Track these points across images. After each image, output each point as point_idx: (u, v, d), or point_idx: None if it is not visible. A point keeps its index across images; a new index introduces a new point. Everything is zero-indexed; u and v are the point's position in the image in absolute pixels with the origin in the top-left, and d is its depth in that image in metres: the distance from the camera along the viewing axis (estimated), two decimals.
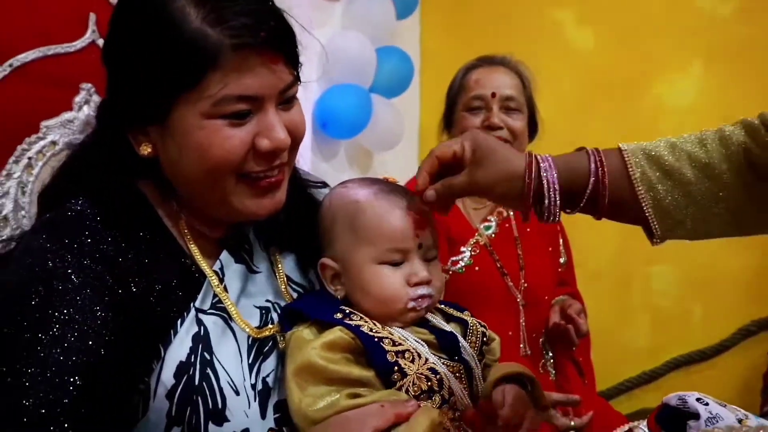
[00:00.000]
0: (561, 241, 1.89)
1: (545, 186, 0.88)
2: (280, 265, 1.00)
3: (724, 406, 0.98)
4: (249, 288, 0.95)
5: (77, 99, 1.19)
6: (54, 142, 1.16)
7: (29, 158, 1.12)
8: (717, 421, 0.94)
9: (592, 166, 0.89)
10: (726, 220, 0.90)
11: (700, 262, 2.58)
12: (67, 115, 1.17)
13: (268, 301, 0.96)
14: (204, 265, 0.92)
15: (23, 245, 0.86)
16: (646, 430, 1.05)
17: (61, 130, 1.17)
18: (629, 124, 2.65)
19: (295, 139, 0.90)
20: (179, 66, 0.82)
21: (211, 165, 0.85)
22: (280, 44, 0.86)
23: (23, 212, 1.10)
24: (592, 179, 0.88)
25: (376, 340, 0.88)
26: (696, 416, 0.95)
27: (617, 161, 0.89)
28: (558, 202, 0.88)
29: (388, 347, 0.88)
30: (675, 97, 2.64)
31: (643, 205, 0.89)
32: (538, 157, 0.89)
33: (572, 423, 1.61)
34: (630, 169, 0.88)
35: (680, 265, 2.62)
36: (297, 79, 0.90)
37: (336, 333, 0.87)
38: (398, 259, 0.93)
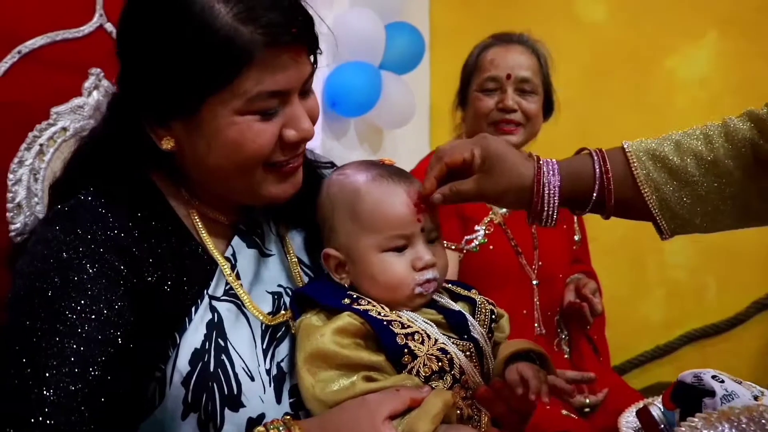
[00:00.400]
0: (575, 218, 1.87)
1: (547, 194, 0.88)
2: (290, 247, 1.00)
3: (740, 383, 0.98)
4: (262, 273, 0.96)
5: (86, 84, 1.19)
6: (65, 128, 1.16)
7: (41, 145, 1.13)
8: (732, 399, 0.94)
9: (597, 170, 0.88)
10: (735, 215, 0.90)
11: (714, 236, 2.55)
12: (77, 101, 1.17)
13: (280, 286, 0.97)
14: (216, 252, 0.92)
15: (37, 236, 0.86)
16: (660, 406, 1.05)
17: (72, 116, 1.17)
18: (642, 98, 2.62)
19: (313, 125, 0.91)
20: (212, 64, 0.81)
21: (242, 159, 0.86)
22: (307, 38, 0.86)
23: (36, 199, 1.11)
24: (597, 184, 0.88)
25: (385, 323, 0.88)
26: (711, 393, 0.95)
27: (621, 163, 0.89)
28: (556, 210, 0.89)
29: (397, 330, 0.88)
30: (688, 69, 2.60)
31: (650, 206, 0.88)
32: (544, 165, 0.89)
33: (587, 401, 1.61)
34: (634, 171, 0.88)
35: (695, 238, 2.56)
36: (315, 68, 0.90)
37: (345, 319, 0.88)
38: (402, 245, 0.93)
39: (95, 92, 1.20)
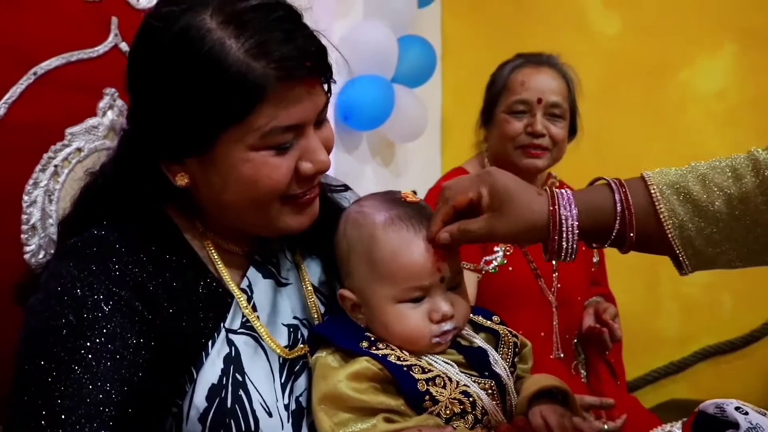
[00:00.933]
0: None
1: (565, 232, 0.84)
2: (306, 276, 0.99)
3: (765, 414, 0.96)
4: (278, 304, 0.95)
5: (101, 104, 1.18)
6: (79, 149, 1.15)
7: (55, 166, 1.12)
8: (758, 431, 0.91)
9: (618, 206, 0.84)
10: (763, 253, 0.85)
11: None
12: (91, 121, 1.16)
13: (296, 318, 0.95)
14: (232, 284, 0.91)
15: (50, 271, 0.85)
16: None
17: (86, 137, 1.16)
18: (656, 110, 2.60)
19: (328, 167, 0.90)
20: (225, 101, 0.80)
21: (258, 195, 0.85)
22: (321, 70, 0.85)
23: (51, 221, 1.10)
24: (618, 218, 0.84)
25: (405, 369, 0.86)
26: (735, 426, 0.93)
27: (643, 196, 0.85)
28: (576, 245, 0.85)
29: (417, 375, 0.86)
30: (704, 82, 2.58)
31: (672, 242, 0.84)
32: (559, 198, 0.85)
33: (605, 426, 1.59)
34: (657, 206, 0.84)
35: None
36: (329, 97, 0.89)
37: (362, 363, 0.85)
38: (419, 296, 0.90)
39: (110, 112, 1.19)
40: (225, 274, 0.91)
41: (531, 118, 1.68)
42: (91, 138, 1.16)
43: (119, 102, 1.20)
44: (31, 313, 0.82)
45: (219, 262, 0.91)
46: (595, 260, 1.85)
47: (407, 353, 0.89)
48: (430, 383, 0.86)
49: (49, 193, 1.11)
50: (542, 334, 1.66)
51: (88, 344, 0.78)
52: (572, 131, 1.77)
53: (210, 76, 0.80)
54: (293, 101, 0.82)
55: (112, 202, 0.90)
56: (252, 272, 0.94)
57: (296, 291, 0.98)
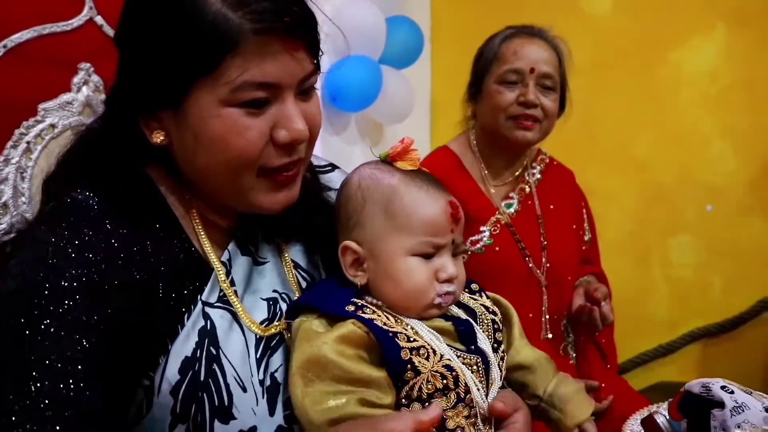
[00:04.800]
0: (585, 217, 1.83)
1: None
2: (286, 253, 0.97)
3: (750, 393, 0.94)
4: (256, 281, 0.92)
5: (76, 79, 1.15)
6: (53, 125, 1.12)
7: (27, 142, 1.09)
8: (743, 410, 0.90)
9: None
10: None
11: (720, 234, 2.52)
12: (65, 97, 1.14)
13: (275, 291, 0.93)
14: (212, 256, 0.89)
15: (29, 235, 0.83)
16: (666, 415, 1.01)
17: (60, 113, 1.13)
18: (647, 91, 2.58)
19: (313, 133, 0.87)
20: (198, 49, 0.79)
21: (229, 157, 0.82)
22: (303, 31, 0.82)
23: (23, 198, 1.08)
24: None
25: (390, 335, 0.84)
26: (720, 405, 0.92)
27: None
28: None
29: (402, 343, 0.84)
30: (696, 62, 2.56)
31: None
32: None
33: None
34: None
35: (700, 236, 2.56)
36: (317, 69, 0.86)
37: (349, 326, 0.84)
38: (431, 252, 0.89)
39: (85, 88, 1.16)
40: (206, 245, 0.89)
41: (523, 88, 1.63)
42: (66, 114, 1.14)
43: (95, 77, 1.17)
44: (7, 273, 0.80)
45: (201, 233, 0.89)
46: (586, 238, 1.82)
47: (393, 320, 0.87)
48: (413, 353, 0.84)
49: (21, 170, 1.09)
50: (531, 315, 1.63)
51: (59, 311, 0.76)
52: (561, 106, 1.73)
53: (185, 23, 0.79)
54: (267, 56, 0.79)
55: (96, 162, 0.87)
56: (232, 247, 0.92)
57: (275, 268, 0.95)
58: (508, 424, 0.90)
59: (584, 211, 1.83)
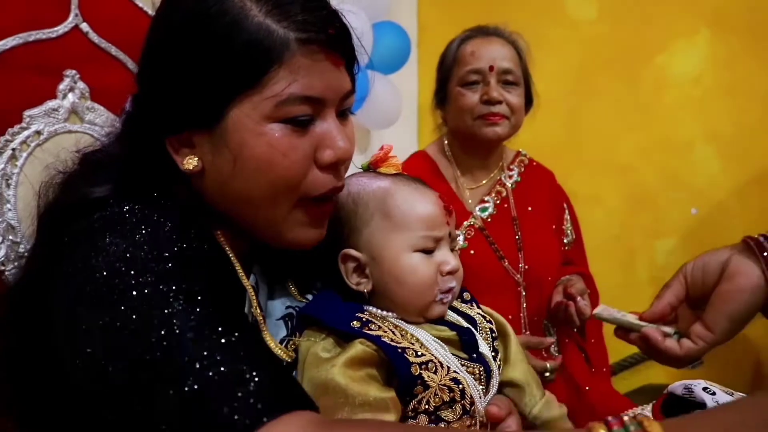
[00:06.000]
0: (568, 217, 1.84)
1: None
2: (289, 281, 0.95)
3: (731, 394, 0.96)
4: (269, 304, 0.91)
5: (61, 86, 1.15)
6: (38, 132, 1.12)
7: (13, 149, 1.09)
8: None
9: None
10: None
11: (704, 236, 2.55)
12: (51, 104, 1.13)
13: (288, 308, 0.91)
14: (244, 278, 0.85)
15: (75, 262, 0.73)
16: (650, 416, 1.03)
17: (46, 119, 1.13)
18: (632, 95, 2.61)
19: (350, 158, 0.84)
20: (240, 61, 0.75)
21: (272, 179, 0.77)
22: (344, 45, 0.81)
23: (8, 205, 1.07)
24: None
25: (399, 351, 0.83)
26: (702, 406, 0.93)
27: None
28: None
29: (411, 359, 0.83)
30: (680, 67, 2.59)
31: None
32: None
33: (548, 365, 1.61)
34: None
35: (685, 238, 2.59)
36: (354, 89, 0.84)
37: (358, 347, 0.82)
38: (431, 247, 0.90)
39: (70, 94, 1.16)
40: (237, 265, 0.84)
41: (485, 87, 1.65)
42: (51, 121, 1.13)
43: (81, 84, 1.17)
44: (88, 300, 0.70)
45: (230, 253, 0.84)
46: (567, 239, 1.83)
47: (399, 335, 0.86)
48: (422, 367, 0.83)
49: (7, 177, 1.08)
50: (510, 316, 1.61)
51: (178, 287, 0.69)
52: (529, 101, 1.74)
53: (227, 37, 0.75)
54: (313, 69, 0.77)
55: (122, 182, 0.81)
56: (256, 269, 0.89)
57: (282, 289, 0.94)
58: (503, 428, 0.90)
59: (566, 211, 1.84)
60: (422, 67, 2.78)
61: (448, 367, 0.85)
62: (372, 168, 0.94)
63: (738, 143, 2.53)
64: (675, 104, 2.60)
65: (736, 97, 2.53)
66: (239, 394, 0.63)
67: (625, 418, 0.54)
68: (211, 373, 0.64)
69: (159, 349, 0.65)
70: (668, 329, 0.93)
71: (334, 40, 0.78)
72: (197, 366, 0.64)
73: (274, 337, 0.86)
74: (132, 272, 0.69)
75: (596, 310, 1.08)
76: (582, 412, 1.58)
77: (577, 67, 2.64)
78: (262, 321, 0.85)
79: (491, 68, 1.65)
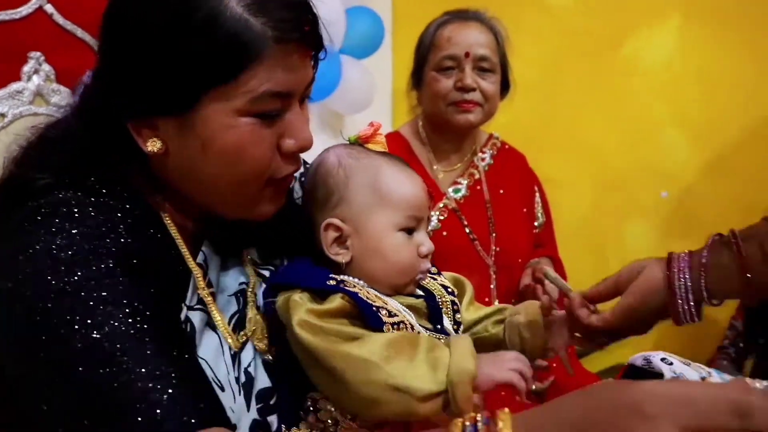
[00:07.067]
0: (539, 200, 1.86)
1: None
2: (244, 250, 0.95)
3: (689, 364, 0.99)
4: (222, 279, 0.91)
5: (26, 69, 1.15)
6: (3, 114, 1.12)
7: None
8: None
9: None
10: None
11: (674, 219, 2.59)
12: (15, 86, 1.14)
13: (241, 284, 0.91)
14: (190, 259, 0.85)
15: (8, 252, 0.73)
16: None
17: (10, 102, 1.13)
18: (604, 81, 2.64)
19: (311, 146, 0.86)
20: (217, 56, 0.75)
21: (243, 168, 0.80)
22: (316, 41, 0.82)
23: None
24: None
25: (374, 308, 0.84)
26: (660, 376, 0.96)
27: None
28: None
29: (385, 318, 0.84)
30: (651, 54, 2.62)
31: None
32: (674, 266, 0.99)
33: (533, 387, 1.62)
34: None
35: (655, 221, 2.63)
36: (315, 76, 0.85)
37: (338, 301, 0.83)
38: (413, 226, 0.91)
39: (35, 77, 1.16)
40: (183, 248, 0.85)
41: (460, 73, 1.65)
42: (16, 103, 1.13)
43: (46, 66, 1.17)
44: (9, 299, 0.71)
45: (176, 235, 0.85)
46: (536, 222, 1.85)
47: (373, 294, 0.87)
48: (394, 327, 0.85)
49: None
50: (486, 299, 1.66)
51: (105, 295, 0.70)
52: (505, 87, 1.75)
53: (205, 27, 0.74)
54: (287, 67, 0.78)
55: (73, 162, 0.80)
56: (206, 248, 0.89)
57: (236, 264, 0.94)
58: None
59: (537, 194, 1.86)
60: (397, 51, 2.77)
61: (418, 332, 0.87)
62: (360, 142, 0.95)
63: (707, 127, 2.58)
64: (645, 89, 2.63)
65: (705, 82, 2.57)
66: (157, 410, 0.67)
67: (478, 416, 0.56)
68: (128, 384, 0.68)
69: (79, 355, 0.68)
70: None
71: (308, 37, 0.80)
72: (119, 374, 0.68)
73: (224, 314, 0.86)
74: (57, 273, 0.70)
75: (547, 269, 1.23)
76: (554, 390, 1.62)
77: (551, 53, 2.65)
78: (211, 300, 0.86)
79: (467, 55, 1.65)
